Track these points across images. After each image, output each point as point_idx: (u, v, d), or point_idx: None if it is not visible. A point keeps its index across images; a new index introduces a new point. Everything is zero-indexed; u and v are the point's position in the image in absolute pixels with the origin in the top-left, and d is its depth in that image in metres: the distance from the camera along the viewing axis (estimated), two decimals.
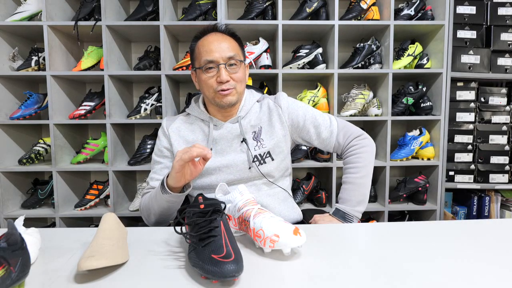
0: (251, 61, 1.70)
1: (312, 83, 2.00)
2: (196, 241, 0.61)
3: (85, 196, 1.78)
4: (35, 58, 1.72)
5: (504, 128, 1.82)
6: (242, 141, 1.01)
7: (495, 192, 1.89)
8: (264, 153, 1.01)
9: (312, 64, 1.79)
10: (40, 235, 0.70)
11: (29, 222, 1.78)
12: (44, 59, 1.73)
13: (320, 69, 1.76)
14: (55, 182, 1.69)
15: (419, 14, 1.78)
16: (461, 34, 1.78)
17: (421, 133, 1.82)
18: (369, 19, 1.75)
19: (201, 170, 0.86)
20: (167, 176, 0.86)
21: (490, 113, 1.82)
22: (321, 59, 1.77)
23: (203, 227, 0.62)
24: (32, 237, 0.65)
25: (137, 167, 1.73)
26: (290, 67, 1.77)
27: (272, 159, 1.02)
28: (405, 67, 1.80)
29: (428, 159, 1.83)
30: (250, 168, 1.00)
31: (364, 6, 1.73)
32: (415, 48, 1.81)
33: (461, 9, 1.77)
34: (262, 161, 1.01)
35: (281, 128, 1.03)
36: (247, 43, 1.76)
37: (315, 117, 1.05)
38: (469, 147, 1.82)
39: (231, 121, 1.03)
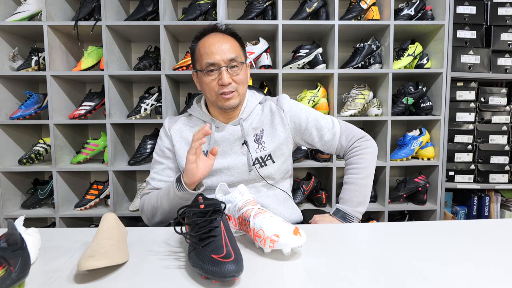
0: (251, 61, 1.70)
1: (312, 83, 2.00)
2: (196, 241, 0.61)
3: (85, 196, 1.78)
4: (35, 58, 1.72)
5: (504, 128, 1.82)
6: (243, 144, 1.01)
7: (495, 192, 1.89)
8: (266, 155, 1.01)
9: (312, 64, 1.79)
10: (40, 235, 0.70)
11: (29, 222, 1.78)
12: (44, 59, 1.73)
13: (320, 69, 1.76)
14: (55, 182, 1.69)
15: (419, 14, 1.78)
16: (461, 34, 1.78)
17: (421, 133, 1.82)
18: (369, 19, 1.75)
19: (212, 165, 0.90)
20: (182, 174, 0.89)
21: (490, 113, 1.82)
22: (321, 59, 1.77)
23: (203, 227, 0.62)
24: (32, 237, 0.65)
25: (137, 167, 1.73)
26: (290, 67, 1.77)
27: (273, 162, 1.02)
28: (405, 67, 1.80)
29: (428, 159, 1.83)
30: (250, 170, 1.00)
31: (364, 6, 1.73)
32: (415, 48, 1.81)
33: (461, 9, 1.77)
34: (263, 164, 1.00)
35: (283, 130, 1.03)
36: (247, 43, 1.76)
37: (317, 120, 1.04)
38: (469, 147, 1.82)
39: (233, 123, 1.02)
